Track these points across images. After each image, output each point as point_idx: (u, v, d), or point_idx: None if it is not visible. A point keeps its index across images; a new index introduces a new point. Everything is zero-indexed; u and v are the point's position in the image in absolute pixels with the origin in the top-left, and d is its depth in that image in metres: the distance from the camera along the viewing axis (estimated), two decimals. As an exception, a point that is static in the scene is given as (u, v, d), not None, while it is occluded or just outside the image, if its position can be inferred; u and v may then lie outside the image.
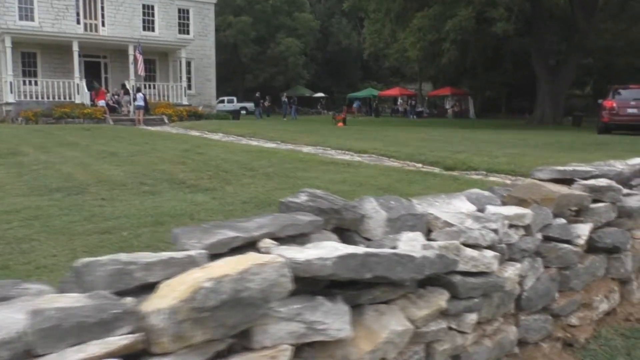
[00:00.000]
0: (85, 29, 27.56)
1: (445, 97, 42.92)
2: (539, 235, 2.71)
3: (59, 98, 24.90)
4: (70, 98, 25.16)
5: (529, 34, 27.22)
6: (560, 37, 27.20)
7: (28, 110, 22.67)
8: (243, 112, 47.19)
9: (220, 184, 7.53)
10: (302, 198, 2.13)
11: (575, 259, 2.87)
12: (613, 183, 3.26)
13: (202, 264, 1.54)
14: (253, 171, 8.74)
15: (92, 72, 28.24)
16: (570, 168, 3.61)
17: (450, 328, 2.16)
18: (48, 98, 24.71)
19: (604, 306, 3.05)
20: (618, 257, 3.19)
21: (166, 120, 23.58)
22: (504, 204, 2.96)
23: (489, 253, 2.28)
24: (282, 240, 1.84)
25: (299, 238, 1.91)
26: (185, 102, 28.33)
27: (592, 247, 3.13)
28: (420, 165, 10.50)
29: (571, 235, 2.92)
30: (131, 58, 26.40)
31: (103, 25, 28.09)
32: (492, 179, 7.99)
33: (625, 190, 3.41)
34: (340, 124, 23.58)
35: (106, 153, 10.51)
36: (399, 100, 46.22)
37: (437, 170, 10.08)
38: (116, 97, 26.17)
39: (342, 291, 1.75)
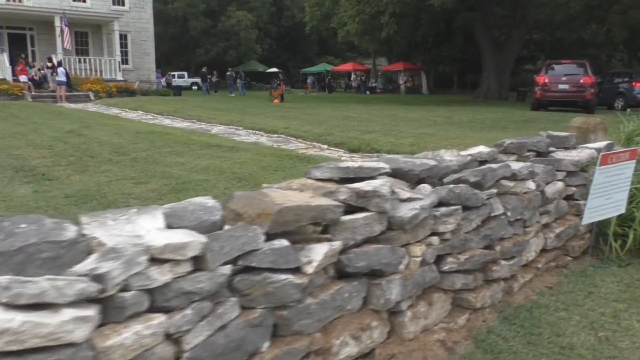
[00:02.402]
0: (8, -1, 25.71)
1: (398, 72, 42.20)
2: (226, 269, 1.98)
3: (-22, 73, 23.24)
4: (-10, 73, 23.51)
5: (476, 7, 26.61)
6: (506, 11, 26.58)
7: (-62, 86, 21.04)
8: (194, 87, 45.65)
9: (70, 172, 6.72)
10: None
11: (296, 294, 2.15)
12: (381, 187, 2.55)
13: None
14: (123, 156, 7.93)
15: (18, 46, 26.48)
16: (356, 164, 2.89)
17: None
18: (-33, 73, 23.04)
19: (350, 350, 2.36)
20: (379, 284, 2.49)
21: (92, 97, 22.23)
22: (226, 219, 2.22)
23: (67, 315, 1.52)
24: None
25: None
26: (119, 77, 26.88)
27: (342, 272, 2.43)
28: (325, 146, 9.90)
29: (297, 261, 2.20)
30: (58, 30, 24.76)
31: (28, -6, 26.25)
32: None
33: (407, 194, 2.71)
34: (277, 100, 22.62)
35: (-28, 136, 9.46)
36: (352, 76, 45.35)
37: (341, 152, 9.44)
38: (42, 71, 24.57)
39: None
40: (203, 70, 36.52)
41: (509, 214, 3.24)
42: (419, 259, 2.65)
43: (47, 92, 22.42)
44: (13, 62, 23.99)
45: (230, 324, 1.99)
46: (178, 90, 30.46)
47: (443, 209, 2.82)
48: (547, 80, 16.84)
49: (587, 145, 4.38)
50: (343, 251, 2.41)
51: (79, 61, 26.49)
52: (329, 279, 2.39)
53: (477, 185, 3.07)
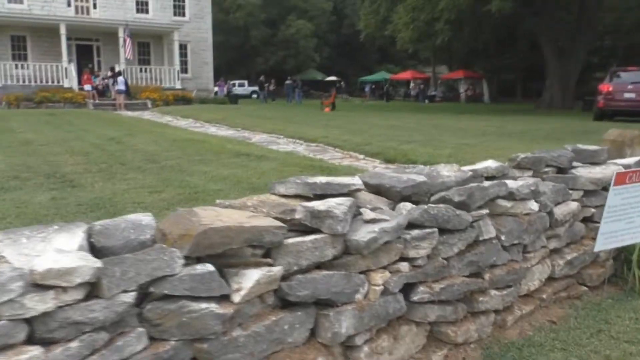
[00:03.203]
0: (77, 12, 27.01)
1: (459, 81, 41.18)
2: (129, 297, 1.78)
3: (47, 82, 24.50)
4: (58, 82, 24.74)
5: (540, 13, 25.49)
6: (572, 16, 25.27)
7: (12, 94, 22.31)
8: (254, 95, 46.37)
9: (98, 180, 6.79)
10: None
11: (217, 325, 1.93)
12: (335, 207, 2.29)
13: None
14: (153, 163, 8.00)
15: (85, 56, 27.79)
16: (324, 180, 2.65)
17: None
18: (36, 82, 24.33)
19: (285, 389, 2.11)
20: (327, 315, 2.23)
21: (149, 105, 22.92)
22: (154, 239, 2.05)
23: None
24: None
25: None
26: (178, 86, 27.64)
27: (285, 301, 2.19)
28: (362, 156, 9.69)
29: (223, 289, 1.98)
30: (121, 41, 25.78)
31: (95, 7, 27.49)
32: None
33: (371, 215, 2.43)
34: (327, 109, 22.48)
35: (19, 142, 9.84)
36: (411, 84, 44.66)
37: (377, 162, 9.17)
38: (106, 81, 25.64)
39: None
40: (260, 78, 37.04)
41: (502, 238, 2.89)
42: (379, 288, 2.36)
43: (108, 101, 23.32)
44: (80, 72, 25.22)
45: (133, 357, 1.80)
46: (235, 99, 30.98)
47: (415, 232, 2.52)
48: (611, 89, 15.78)
49: (616, 161, 3.92)
50: (287, 277, 2.17)
51: (140, 70, 27.45)
52: (267, 308, 2.16)
53: (462, 206, 2.75)
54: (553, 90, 26.03)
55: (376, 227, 2.32)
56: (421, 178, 2.89)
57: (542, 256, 3.18)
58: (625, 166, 3.82)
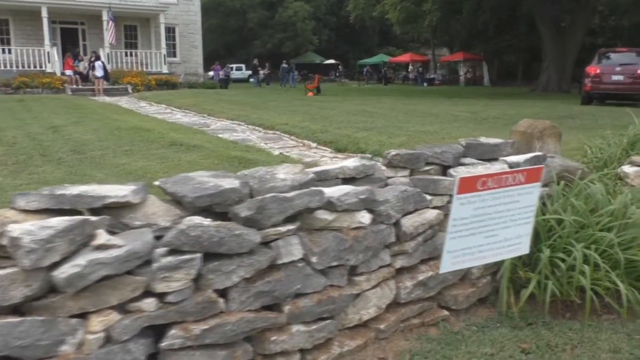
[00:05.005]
0: (61, -7, 26.38)
1: (458, 63, 40.19)
2: None
3: (30, 67, 24.01)
4: (40, 67, 24.23)
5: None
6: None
7: (-8, 79, 21.87)
8: (251, 79, 45.61)
9: (6, 174, 6.29)
10: None
11: None
12: (30, 234, 1.76)
13: None
14: (78, 154, 7.55)
15: (70, 40, 27.26)
16: (75, 191, 2.12)
17: None
18: (18, 67, 23.84)
19: None
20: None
21: (130, 90, 22.37)
22: None
23: None
24: None
25: None
26: (165, 70, 27.04)
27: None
28: (314, 144, 9.22)
29: None
30: (105, 24, 25.19)
31: (80, -11, 26.84)
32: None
33: (101, 240, 1.89)
34: (310, 93, 21.79)
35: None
36: (410, 67, 43.74)
37: (328, 152, 8.64)
38: (88, 65, 25.09)
39: None
40: (254, 62, 36.33)
41: (313, 260, 2.35)
42: (96, 336, 1.84)
43: (89, 86, 22.80)
44: (64, 57, 24.70)
45: None
46: (225, 83, 30.35)
47: (165, 260, 1.98)
48: (598, 71, 14.96)
49: (506, 159, 3.34)
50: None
51: (126, 54, 26.87)
52: None
53: (252, 222, 2.21)
54: (550, 72, 25.16)
55: (81, 262, 1.78)
56: (231, 184, 2.35)
57: (383, 277, 2.63)
58: (513, 164, 3.25)
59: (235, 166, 6.35)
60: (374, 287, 2.58)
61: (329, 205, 2.43)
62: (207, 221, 2.24)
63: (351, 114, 12.89)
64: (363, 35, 54.99)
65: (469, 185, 2.46)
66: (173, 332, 1.99)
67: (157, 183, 2.56)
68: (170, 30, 28.73)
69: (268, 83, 36.94)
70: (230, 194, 2.31)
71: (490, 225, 2.63)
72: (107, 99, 19.91)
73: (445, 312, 2.85)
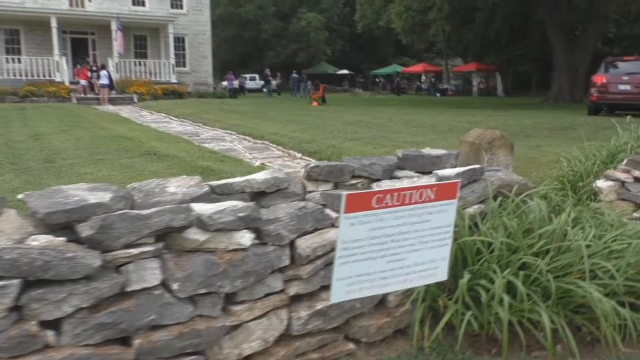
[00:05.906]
0: (71, 5, 26.59)
1: (471, 73, 39.66)
2: None
3: (39, 76, 24.21)
4: (49, 76, 24.40)
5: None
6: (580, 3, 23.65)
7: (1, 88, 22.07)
8: (265, 89, 45.63)
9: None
10: None
11: None
12: None
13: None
14: (47, 163, 7.43)
15: (80, 50, 27.49)
16: None
17: None
18: (28, 76, 24.06)
19: None
20: None
21: (135, 99, 22.37)
22: None
23: None
24: None
25: None
26: (174, 79, 27.07)
27: None
28: (299, 155, 8.95)
29: None
30: (114, 34, 25.35)
31: (90, 0, 27.09)
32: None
33: None
34: (315, 103, 21.53)
35: None
36: (422, 77, 43.32)
37: (312, 161, 8.35)
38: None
39: None
40: (266, 72, 36.30)
41: (175, 286, 2.05)
42: None
43: (94, 95, 22.88)
44: (74, 66, 24.88)
45: None
46: (233, 93, 30.30)
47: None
48: (605, 80, 14.44)
49: (437, 172, 3.02)
50: None
51: (136, 64, 26.97)
52: None
53: (95, 243, 1.92)
54: (561, 82, 24.57)
55: None
56: (100, 199, 2.07)
57: (272, 306, 2.32)
58: (444, 177, 2.92)
59: (203, 176, 6.10)
60: (258, 317, 2.27)
61: (202, 224, 2.14)
62: (59, 239, 1.97)
63: (347, 124, 12.61)
64: (377, 46, 54.72)
65: (359, 202, 2.14)
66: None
67: (20, 196, 2.31)
68: (179, 40, 28.79)
69: (279, 93, 36.85)
70: (95, 209, 2.03)
71: (393, 249, 2.30)
72: (111, 107, 19.91)
73: (351, 346, 2.52)
